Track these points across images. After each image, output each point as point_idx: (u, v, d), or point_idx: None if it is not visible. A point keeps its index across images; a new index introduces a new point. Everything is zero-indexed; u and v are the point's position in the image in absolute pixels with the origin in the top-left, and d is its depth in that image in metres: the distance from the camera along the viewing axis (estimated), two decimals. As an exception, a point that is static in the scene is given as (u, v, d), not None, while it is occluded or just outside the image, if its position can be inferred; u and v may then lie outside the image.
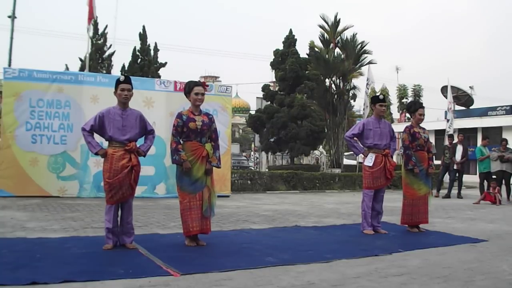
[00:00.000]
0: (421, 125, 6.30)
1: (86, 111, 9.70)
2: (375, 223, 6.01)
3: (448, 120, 17.22)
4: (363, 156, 6.07)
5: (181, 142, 4.80)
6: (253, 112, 24.74)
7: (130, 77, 4.88)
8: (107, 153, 4.54)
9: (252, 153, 28.62)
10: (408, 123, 6.45)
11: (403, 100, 39.28)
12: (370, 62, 19.56)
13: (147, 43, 20.06)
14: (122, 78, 4.68)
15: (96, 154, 4.60)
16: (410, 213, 6.12)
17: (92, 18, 13.60)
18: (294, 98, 20.66)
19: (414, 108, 6.30)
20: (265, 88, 23.05)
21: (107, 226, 4.54)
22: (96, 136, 4.68)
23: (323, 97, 20.44)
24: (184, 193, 4.75)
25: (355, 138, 6.21)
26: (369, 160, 5.95)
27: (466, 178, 14.76)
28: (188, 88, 4.88)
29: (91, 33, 15.57)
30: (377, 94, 6.20)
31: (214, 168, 4.89)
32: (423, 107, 6.27)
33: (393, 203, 9.04)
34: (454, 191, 12.61)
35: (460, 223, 7.19)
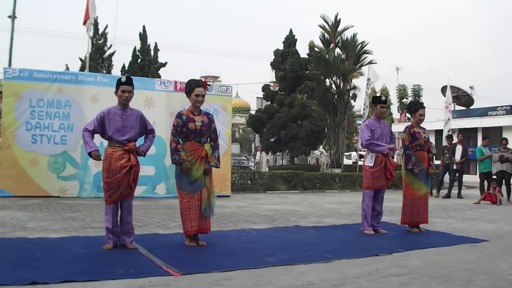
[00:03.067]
0: (421, 125, 6.31)
1: (86, 111, 9.71)
2: (375, 223, 6.01)
3: (443, 120, 17.21)
4: (389, 149, 5.95)
5: (180, 142, 4.80)
6: (253, 112, 24.78)
7: (132, 77, 4.85)
8: (99, 156, 4.50)
9: (258, 153, 28.30)
10: (409, 123, 6.43)
11: (403, 100, 39.29)
12: (370, 62, 19.56)
13: (147, 43, 20.08)
14: (123, 79, 4.66)
15: (89, 154, 4.51)
16: (410, 213, 6.13)
17: (87, 19, 13.56)
18: (294, 98, 20.69)
19: (414, 108, 6.30)
20: (265, 88, 23.08)
21: (107, 225, 4.55)
22: (96, 136, 4.66)
23: (323, 97, 20.45)
24: (183, 193, 4.76)
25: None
26: (370, 160, 5.96)
27: (466, 178, 14.76)
28: (189, 88, 4.85)
29: (91, 33, 15.58)
30: (378, 94, 6.17)
31: (213, 168, 4.89)
32: (423, 107, 6.26)
33: (393, 203, 9.04)
34: (454, 191, 12.60)
35: (460, 223, 7.19)
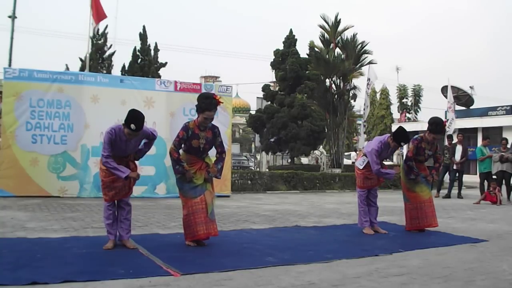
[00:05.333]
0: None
1: (86, 111, 9.71)
2: (373, 219, 6.03)
3: (447, 120, 17.21)
4: (395, 173, 6.01)
5: (181, 152, 4.78)
6: (253, 112, 24.76)
7: (143, 125, 4.46)
8: (137, 173, 4.57)
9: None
10: (419, 135, 6.21)
11: (403, 100, 39.33)
12: (370, 62, 19.58)
13: (147, 43, 20.08)
14: (133, 126, 4.37)
15: (126, 178, 4.46)
16: (416, 217, 6.06)
17: (102, 18, 13.58)
18: (294, 98, 20.68)
19: (434, 129, 5.96)
20: (266, 88, 23.07)
21: (106, 222, 4.62)
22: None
23: (323, 97, 20.46)
24: (186, 198, 4.75)
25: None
26: (361, 163, 6.05)
27: (466, 178, 14.76)
28: (199, 108, 4.69)
29: (93, 33, 15.59)
30: (403, 132, 5.84)
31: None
32: (442, 134, 6.06)
33: (393, 203, 9.04)
34: (454, 191, 12.60)
35: (460, 223, 7.19)
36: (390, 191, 13.96)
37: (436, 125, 5.96)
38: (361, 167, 5.98)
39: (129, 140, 4.54)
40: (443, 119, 17.74)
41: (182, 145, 4.76)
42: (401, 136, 5.81)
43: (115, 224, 4.65)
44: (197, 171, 4.75)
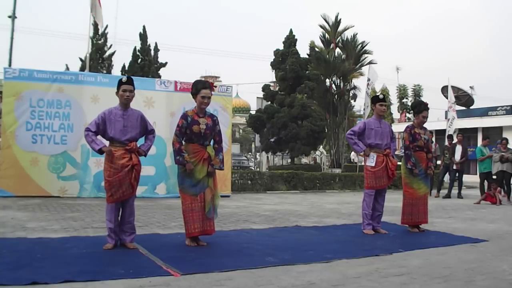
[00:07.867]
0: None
1: (86, 111, 9.70)
2: (375, 223, 6.01)
3: (448, 120, 17.22)
4: (364, 154, 6.01)
5: (183, 143, 4.79)
6: (253, 112, 24.79)
7: (132, 77, 4.81)
8: (110, 150, 4.52)
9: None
10: (410, 123, 6.41)
11: (403, 100, 39.27)
12: (370, 62, 19.60)
13: (148, 43, 20.12)
14: (124, 79, 4.63)
15: (100, 150, 4.51)
16: (410, 213, 6.12)
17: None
18: (294, 98, 20.70)
19: (418, 109, 6.22)
20: (266, 88, 23.10)
21: (109, 226, 4.55)
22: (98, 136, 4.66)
23: (323, 97, 20.48)
24: (186, 194, 4.74)
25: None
26: (371, 160, 5.95)
27: (466, 178, 14.76)
28: (195, 89, 4.80)
29: (101, 30, 15.57)
30: (377, 94, 6.09)
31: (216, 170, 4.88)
32: (427, 109, 6.17)
33: (393, 203, 9.03)
34: (455, 191, 12.60)
35: (460, 223, 7.19)
36: (390, 191, 13.93)
37: (420, 105, 6.31)
38: (373, 165, 5.91)
39: (125, 113, 4.58)
40: (444, 118, 17.79)
41: (185, 134, 4.75)
42: (375, 96, 6.37)
43: (117, 228, 4.61)
44: (200, 161, 4.72)
